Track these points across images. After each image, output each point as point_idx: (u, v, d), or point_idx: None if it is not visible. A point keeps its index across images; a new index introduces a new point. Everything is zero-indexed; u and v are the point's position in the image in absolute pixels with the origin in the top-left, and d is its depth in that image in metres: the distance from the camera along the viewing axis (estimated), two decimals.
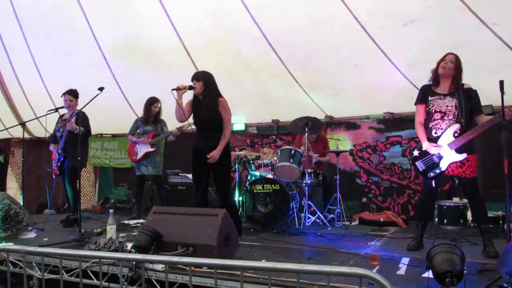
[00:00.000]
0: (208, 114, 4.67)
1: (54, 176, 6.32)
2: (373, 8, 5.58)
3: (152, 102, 6.71)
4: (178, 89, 4.66)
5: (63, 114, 6.31)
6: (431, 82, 4.24)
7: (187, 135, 7.57)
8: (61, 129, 5.94)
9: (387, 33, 5.77)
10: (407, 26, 5.54)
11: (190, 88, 4.69)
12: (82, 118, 5.18)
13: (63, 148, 6.00)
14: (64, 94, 6.08)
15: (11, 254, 3.55)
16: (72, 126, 5.76)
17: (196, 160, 4.79)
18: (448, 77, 4.10)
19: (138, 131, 6.81)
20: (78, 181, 5.17)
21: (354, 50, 6.17)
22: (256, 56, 6.78)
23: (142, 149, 6.69)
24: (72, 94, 6.08)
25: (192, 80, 4.72)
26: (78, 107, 5.71)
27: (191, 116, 4.89)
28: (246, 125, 8.23)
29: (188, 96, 4.84)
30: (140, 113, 6.94)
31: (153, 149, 6.66)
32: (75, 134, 5.64)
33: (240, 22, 6.36)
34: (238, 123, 8.04)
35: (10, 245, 4.03)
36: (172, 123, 6.82)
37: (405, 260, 3.70)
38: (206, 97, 4.68)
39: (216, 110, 4.67)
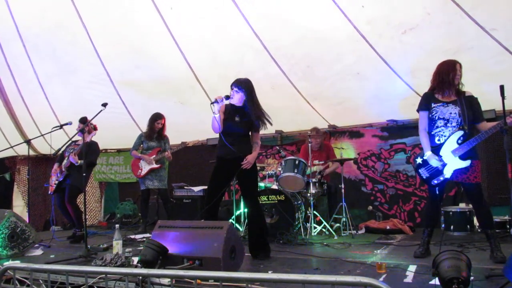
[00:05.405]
0: (245, 122, 4.52)
1: (50, 193, 6.39)
2: (372, 17, 5.60)
3: (156, 119, 6.73)
4: (216, 102, 4.29)
5: (77, 140, 6.29)
6: (433, 90, 4.23)
7: (189, 149, 7.58)
8: (71, 151, 6.07)
9: (387, 41, 5.79)
10: (406, 33, 5.56)
11: (227, 97, 4.42)
12: (92, 150, 5.27)
13: (68, 167, 6.06)
14: (79, 123, 6.14)
15: (17, 272, 3.56)
16: (75, 159, 5.93)
17: (220, 167, 4.54)
18: (455, 85, 4.11)
19: (142, 146, 6.83)
20: (83, 196, 5.21)
21: (356, 59, 6.18)
22: (259, 67, 6.78)
23: (147, 165, 6.70)
24: (82, 122, 6.10)
25: (232, 87, 4.48)
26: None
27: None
28: None
29: None
30: (144, 128, 6.96)
31: (157, 166, 6.69)
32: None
33: (241, 34, 6.39)
34: None
35: (16, 263, 4.04)
36: (173, 138, 6.88)
37: (412, 268, 3.68)
38: (248, 105, 4.45)
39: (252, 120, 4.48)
